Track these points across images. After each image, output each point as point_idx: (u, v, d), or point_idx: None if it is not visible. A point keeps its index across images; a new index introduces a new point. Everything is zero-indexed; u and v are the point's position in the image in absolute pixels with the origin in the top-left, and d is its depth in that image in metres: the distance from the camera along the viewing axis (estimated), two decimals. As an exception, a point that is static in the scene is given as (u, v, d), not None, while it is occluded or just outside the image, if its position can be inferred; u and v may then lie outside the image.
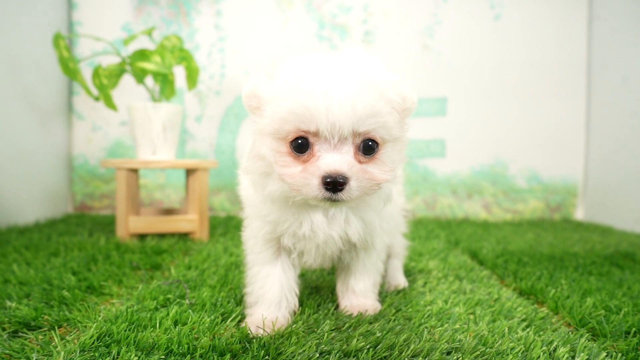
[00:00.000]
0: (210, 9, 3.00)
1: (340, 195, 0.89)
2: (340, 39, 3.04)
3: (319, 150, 0.91)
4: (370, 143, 0.92)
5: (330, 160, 0.90)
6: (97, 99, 2.17)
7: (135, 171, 2.10)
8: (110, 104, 2.15)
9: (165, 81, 2.20)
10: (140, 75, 2.15)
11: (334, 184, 0.88)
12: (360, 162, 0.93)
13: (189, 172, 2.17)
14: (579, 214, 3.13)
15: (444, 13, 3.04)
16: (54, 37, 2.06)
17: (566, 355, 0.92)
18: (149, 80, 2.34)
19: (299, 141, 0.92)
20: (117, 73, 2.15)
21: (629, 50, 2.75)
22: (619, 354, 0.95)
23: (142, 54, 2.12)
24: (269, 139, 0.95)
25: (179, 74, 2.67)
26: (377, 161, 0.94)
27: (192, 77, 2.27)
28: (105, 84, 2.11)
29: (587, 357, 0.92)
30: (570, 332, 1.06)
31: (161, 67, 2.11)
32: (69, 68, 2.08)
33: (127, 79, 2.50)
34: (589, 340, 1.02)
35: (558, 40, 3.05)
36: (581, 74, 3.06)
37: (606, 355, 0.93)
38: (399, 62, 3.05)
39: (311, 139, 0.91)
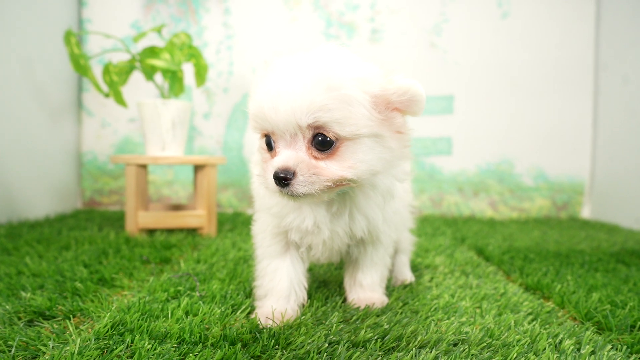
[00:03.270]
0: (218, 7, 3.02)
1: (287, 189, 0.92)
2: (348, 37, 3.06)
3: (278, 146, 0.96)
4: (324, 139, 0.92)
5: (282, 156, 0.93)
6: (107, 95, 2.20)
7: (144, 167, 2.13)
8: (120, 101, 2.17)
9: (174, 78, 2.22)
10: (149, 72, 2.17)
11: (280, 179, 0.92)
12: (315, 157, 0.93)
13: (198, 168, 2.19)
14: (586, 212, 3.13)
15: (451, 11, 3.05)
16: (65, 34, 2.09)
17: (572, 348, 0.93)
18: (158, 77, 2.37)
19: (267, 138, 0.98)
20: (127, 70, 2.17)
21: (636, 48, 2.74)
22: (624, 347, 0.96)
23: (151, 51, 2.14)
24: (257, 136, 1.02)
25: (188, 71, 2.69)
26: (337, 157, 0.93)
27: (200, 74, 2.29)
28: (115, 80, 2.13)
29: (592, 349, 0.93)
30: (576, 326, 1.07)
31: (170, 64, 2.13)
32: (80, 65, 2.10)
33: (137, 76, 2.53)
34: (594, 334, 1.03)
35: (565, 39, 3.05)
36: (588, 72, 3.06)
37: (611, 348, 0.95)
38: (406, 60, 3.06)
39: (273, 137, 0.96)
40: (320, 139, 0.92)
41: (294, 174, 0.91)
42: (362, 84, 0.92)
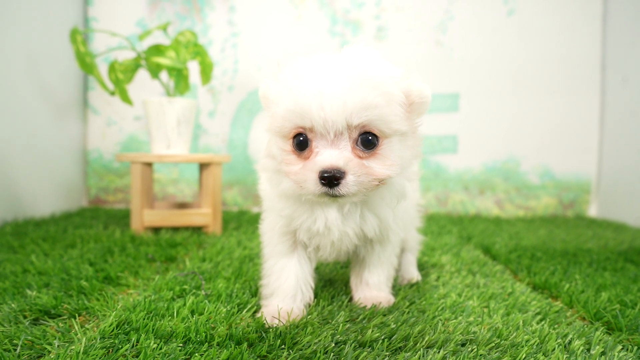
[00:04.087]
0: (223, 5, 3.01)
1: (337, 190, 0.90)
2: (353, 35, 3.04)
3: (317, 146, 0.93)
4: (369, 138, 0.92)
5: (327, 156, 0.91)
6: (112, 93, 2.20)
7: (149, 165, 2.12)
8: (125, 99, 2.17)
9: (179, 76, 2.21)
10: (155, 70, 2.17)
11: (330, 179, 0.89)
12: (359, 157, 0.93)
13: (203, 166, 2.19)
14: (592, 211, 3.11)
15: (456, 9, 3.03)
16: (71, 32, 2.09)
17: (581, 348, 0.92)
18: (164, 75, 2.36)
19: (300, 138, 0.94)
20: (132, 68, 2.17)
21: (644, 46, 2.72)
22: (635, 347, 0.95)
23: (157, 49, 2.14)
24: (276, 138, 0.98)
25: (193, 69, 2.69)
26: (379, 156, 0.94)
27: (206, 72, 2.29)
28: (121, 78, 2.13)
29: (602, 350, 0.92)
30: (585, 326, 1.06)
31: (176, 62, 2.13)
32: (85, 63, 2.10)
33: (142, 74, 2.53)
34: (604, 334, 1.02)
35: (572, 36, 3.03)
36: (595, 70, 3.04)
37: (622, 349, 0.94)
38: (412, 58, 3.05)
39: (309, 136, 0.93)
40: (369, 138, 0.92)
41: (343, 173, 0.90)
42: (397, 83, 0.95)
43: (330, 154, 0.91)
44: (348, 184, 0.90)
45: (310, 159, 0.93)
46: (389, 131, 0.93)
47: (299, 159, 0.95)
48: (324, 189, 0.90)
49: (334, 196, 0.91)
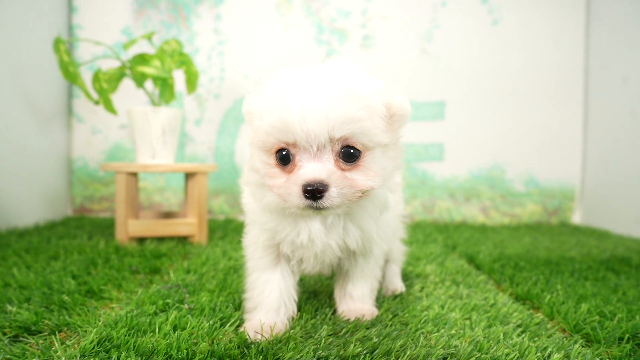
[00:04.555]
0: (209, 13, 3.01)
1: (320, 202, 0.90)
2: (339, 44, 3.06)
3: (300, 160, 0.93)
4: (352, 150, 0.93)
5: (310, 169, 0.92)
6: (97, 102, 2.18)
7: (134, 175, 2.11)
8: (110, 108, 2.16)
9: (164, 85, 2.21)
10: (140, 80, 2.16)
11: (313, 192, 0.90)
12: (342, 169, 0.94)
13: (189, 175, 2.18)
14: (576, 218, 3.14)
15: (442, 17, 3.06)
16: (54, 41, 2.07)
17: (560, 362, 0.93)
18: (149, 84, 2.36)
19: (283, 152, 0.94)
20: (117, 77, 2.16)
21: (626, 52, 2.76)
22: (612, 360, 0.96)
23: (142, 58, 2.13)
24: (259, 151, 0.99)
25: (179, 77, 2.68)
26: (361, 167, 0.95)
27: (191, 81, 2.28)
28: (105, 88, 2.12)
29: (580, 363, 0.93)
30: (565, 338, 1.07)
31: (161, 71, 2.12)
32: (69, 72, 2.09)
33: (127, 83, 2.51)
34: (582, 347, 1.03)
35: (556, 45, 3.07)
36: (578, 78, 3.08)
37: (599, 362, 0.95)
38: (398, 66, 3.07)
39: (292, 150, 0.94)
40: (351, 151, 0.93)
41: (326, 186, 0.90)
42: (379, 96, 0.96)
43: (313, 167, 0.92)
44: (331, 197, 0.91)
45: (294, 173, 0.93)
46: (371, 144, 0.94)
47: (283, 172, 0.96)
48: (308, 202, 0.91)
49: (318, 209, 0.92)
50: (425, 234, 2.49)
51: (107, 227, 2.46)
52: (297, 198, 0.91)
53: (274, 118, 0.91)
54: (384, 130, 0.96)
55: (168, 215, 2.43)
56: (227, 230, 2.45)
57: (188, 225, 2.13)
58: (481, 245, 2.20)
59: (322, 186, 0.90)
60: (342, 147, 0.93)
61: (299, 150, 0.93)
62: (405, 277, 1.58)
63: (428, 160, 3.11)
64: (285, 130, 0.90)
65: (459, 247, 2.15)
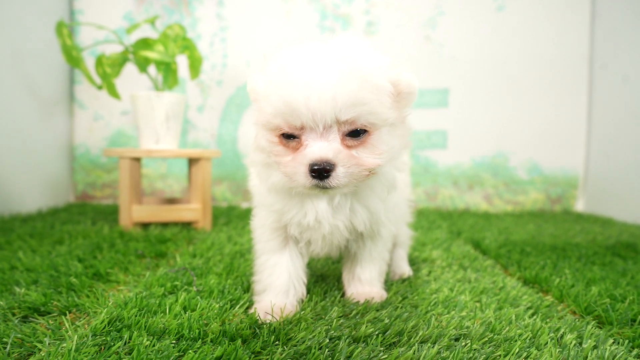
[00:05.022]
0: (212, -2, 2.99)
1: (327, 182, 0.90)
2: (343, 30, 3.03)
3: (306, 139, 0.92)
4: (358, 129, 0.92)
5: (316, 148, 0.90)
6: (100, 87, 2.17)
7: (138, 160, 2.10)
8: (113, 93, 2.14)
9: (168, 70, 2.19)
10: (143, 64, 2.14)
11: (319, 171, 0.89)
12: (348, 147, 0.92)
13: (192, 161, 2.17)
14: (580, 206, 3.14)
15: (446, 4, 3.03)
16: (57, 25, 2.05)
17: (573, 342, 0.93)
18: (152, 69, 2.34)
19: (289, 131, 0.93)
20: (120, 62, 2.14)
21: (631, 42, 2.74)
22: (626, 341, 0.96)
23: (145, 43, 2.11)
24: (264, 130, 0.97)
25: (182, 63, 2.66)
26: (368, 145, 0.94)
27: (195, 67, 2.26)
28: (108, 72, 2.10)
29: (594, 343, 0.93)
30: (577, 320, 1.07)
31: (164, 56, 2.10)
32: (72, 56, 2.07)
33: (130, 68, 2.50)
34: (595, 328, 1.03)
35: (560, 32, 3.05)
36: (583, 65, 3.06)
37: (613, 342, 0.94)
38: (401, 53, 3.05)
39: (298, 131, 0.92)
40: (355, 129, 0.91)
41: (333, 165, 0.89)
42: (385, 73, 0.94)
43: (319, 146, 0.90)
44: (338, 176, 0.90)
45: (300, 151, 0.92)
46: (378, 122, 0.92)
47: (288, 150, 0.94)
48: (315, 181, 0.90)
49: (325, 188, 0.91)
50: (430, 221, 2.48)
51: (109, 213, 2.45)
52: (303, 177, 0.90)
53: (278, 100, 0.89)
54: (391, 108, 0.95)
55: (171, 201, 2.42)
56: (230, 217, 2.45)
57: (192, 210, 2.12)
58: (486, 231, 2.20)
59: (329, 165, 0.89)
60: (349, 129, 0.92)
61: (305, 130, 0.91)
62: (412, 261, 1.58)
63: (431, 147, 3.10)
64: (290, 112, 0.89)
65: (464, 233, 2.14)
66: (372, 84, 0.90)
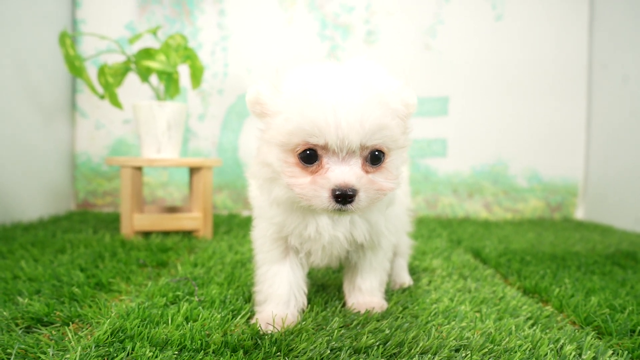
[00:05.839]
0: (213, 8, 3.01)
1: (349, 206, 0.91)
2: (343, 39, 3.05)
3: (327, 162, 0.92)
4: (377, 154, 0.94)
5: (340, 173, 0.91)
6: (102, 97, 2.18)
7: (139, 169, 2.11)
8: (115, 102, 2.16)
9: (169, 80, 2.21)
10: (145, 74, 2.16)
11: (344, 197, 0.90)
12: (367, 172, 0.94)
13: (193, 170, 2.18)
14: (579, 214, 3.15)
15: (446, 13, 3.05)
16: (60, 35, 2.07)
17: (573, 353, 0.93)
18: (154, 78, 2.35)
19: (307, 152, 0.93)
20: (122, 71, 2.16)
21: (630, 49, 2.76)
22: (625, 352, 0.96)
23: (147, 53, 2.13)
24: (275, 148, 0.96)
25: (183, 72, 2.68)
26: (384, 170, 0.96)
27: (196, 76, 2.28)
28: (110, 82, 2.12)
29: (593, 354, 0.93)
30: (576, 331, 1.08)
31: (166, 66, 2.12)
32: (75, 66, 2.08)
33: (132, 78, 2.51)
34: (594, 339, 1.03)
35: (559, 40, 3.07)
36: (582, 73, 3.08)
37: (612, 353, 0.95)
38: (401, 61, 3.07)
39: (319, 151, 0.92)
40: (377, 154, 0.94)
41: (356, 191, 0.90)
42: (399, 96, 0.96)
43: (342, 170, 0.91)
44: (360, 201, 0.91)
45: (320, 174, 0.92)
46: (395, 147, 0.96)
47: (305, 172, 0.94)
48: (337, 205, 0.91)
49: (344, 211, 0.92)
50: (430, 229, 2.49)
51: (111, 221, 2.46)
52: (325, 201, 0.91)
53: (302, 120, 0.89)
54: (404, 132, 0.98)
55: (172, 209, 2.43)
56: (231, 225, 2.45)
57: (193, 219, 2.13)
58: (486, 240, 2.20)
59: (352, 191, 0.90)
60: (370, 152, 0.94)
61: (327, 153, 0.92)
62: (412, 271, 1.58)
63: (431, 156, 3.11)
64: (316, 133, 0.89)
65: (464, 242, 2.15)
66: (391, 109, 0.93)
